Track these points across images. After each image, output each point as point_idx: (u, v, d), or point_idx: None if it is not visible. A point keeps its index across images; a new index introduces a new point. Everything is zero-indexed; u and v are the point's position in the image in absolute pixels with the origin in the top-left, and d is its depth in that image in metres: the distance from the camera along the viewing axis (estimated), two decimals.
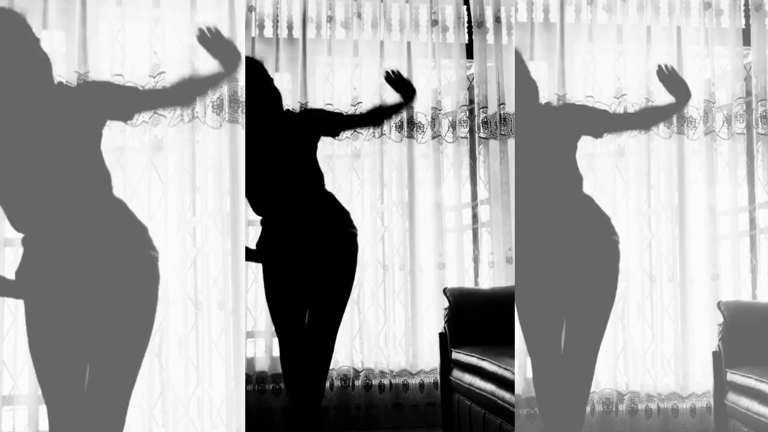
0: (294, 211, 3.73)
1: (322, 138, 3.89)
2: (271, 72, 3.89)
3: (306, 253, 3.69)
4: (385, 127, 4.77)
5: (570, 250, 3.44)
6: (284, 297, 3.77)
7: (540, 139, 3.46)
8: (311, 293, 3.74)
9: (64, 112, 2.66)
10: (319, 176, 3.82)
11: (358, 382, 4.73)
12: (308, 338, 3.75)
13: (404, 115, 4.80)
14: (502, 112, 4.87)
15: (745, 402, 4.00)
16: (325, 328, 3.73)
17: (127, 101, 2.80)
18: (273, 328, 4.54)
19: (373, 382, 4.74)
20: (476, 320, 4.57)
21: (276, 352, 4.59)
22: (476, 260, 4.96)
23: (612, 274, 3.48)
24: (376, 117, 4.08)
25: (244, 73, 3.34)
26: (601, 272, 3.46)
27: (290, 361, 3.76)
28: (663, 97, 4.71)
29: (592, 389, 4.59)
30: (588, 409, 4.60)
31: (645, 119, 3.84)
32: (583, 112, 3.64)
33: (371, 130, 4.76)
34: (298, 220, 3.71)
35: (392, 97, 4.34)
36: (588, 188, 4.22)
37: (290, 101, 4.67)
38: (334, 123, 3.88)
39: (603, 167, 4.69)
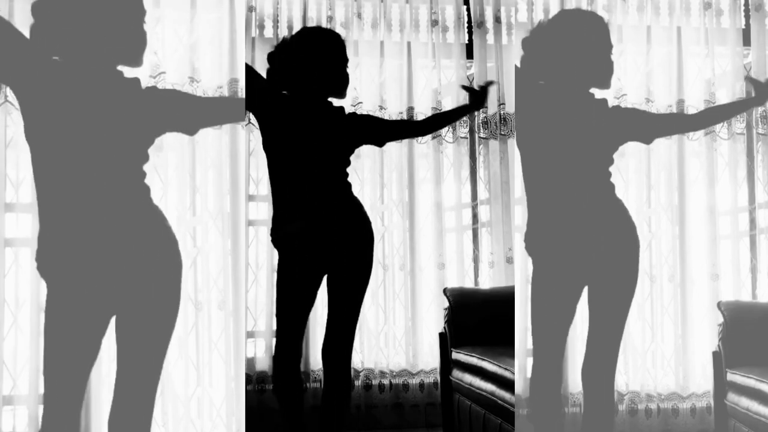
0: (310, 199, 3.31)
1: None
2: None
3: (319, 227, 3.28)
4: None
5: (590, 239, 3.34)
6: (300, 268, 3.32)
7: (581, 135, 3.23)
8: (328, 260, 3.33)
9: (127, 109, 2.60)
10: (346, 183, 3.41)
11: (358, 382, 4.73)
12: (331, 322, 3.38)
13: (404, 115, 4.80)
14: (502, 112, 4.87)
15: (745, 402, 4.00)
16: (349, 302, 3.35)
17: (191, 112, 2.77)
18: (273, 328, 4.57)
19: (373, 382, 4.75)
20: (476, 320, 4.57)
21: None
22: (476, 260, 4.96)
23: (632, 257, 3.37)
24: (434, 124, 3.59)
25: (244, 75, 3.31)
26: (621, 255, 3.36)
27: (286, 354, 3.31)
28: (663, 97, 4.75)
29: None
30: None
31: (705, 118, 3.42)
32: (634, 116, 3.29)
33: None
34: (309, 203, 3.43)
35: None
36: None
37: None
38: (382, 130, 3.47)
39: None
